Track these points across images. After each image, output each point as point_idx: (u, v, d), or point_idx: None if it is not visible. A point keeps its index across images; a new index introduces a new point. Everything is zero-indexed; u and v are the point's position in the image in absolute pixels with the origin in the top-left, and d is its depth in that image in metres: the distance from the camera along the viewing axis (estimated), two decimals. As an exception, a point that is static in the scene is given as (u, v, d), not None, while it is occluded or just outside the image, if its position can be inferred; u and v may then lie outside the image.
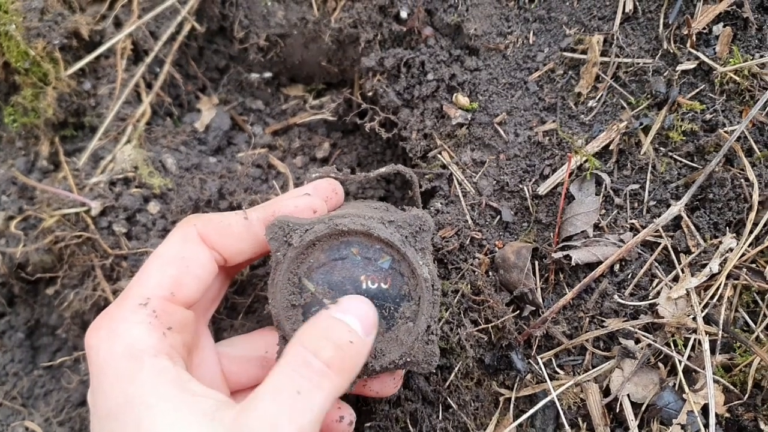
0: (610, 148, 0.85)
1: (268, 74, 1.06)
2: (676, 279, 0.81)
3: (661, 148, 0.84)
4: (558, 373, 0.84)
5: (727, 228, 0.81)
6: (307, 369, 0.57)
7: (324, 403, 0.56)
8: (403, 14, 0.91)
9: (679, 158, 0.84)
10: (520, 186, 0.89)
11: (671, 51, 0.84)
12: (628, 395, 0.79)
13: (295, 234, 0.67)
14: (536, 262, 0.87)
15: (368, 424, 0.83)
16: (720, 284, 0.79)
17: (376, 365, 0.68)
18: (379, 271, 0.68)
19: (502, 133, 0.90)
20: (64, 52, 0.96)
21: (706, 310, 0.79)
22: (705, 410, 0.76)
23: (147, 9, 0.98)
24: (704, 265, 0.80)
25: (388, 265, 0.68)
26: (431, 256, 0.71)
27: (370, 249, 0.68)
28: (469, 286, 0.85)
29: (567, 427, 0.81)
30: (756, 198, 0.78)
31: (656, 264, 0.83)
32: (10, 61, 0.96)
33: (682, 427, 0.76)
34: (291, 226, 0.67)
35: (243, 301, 0.93)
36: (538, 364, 0.84)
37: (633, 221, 0.84)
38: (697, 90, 0.83)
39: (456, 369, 0.85)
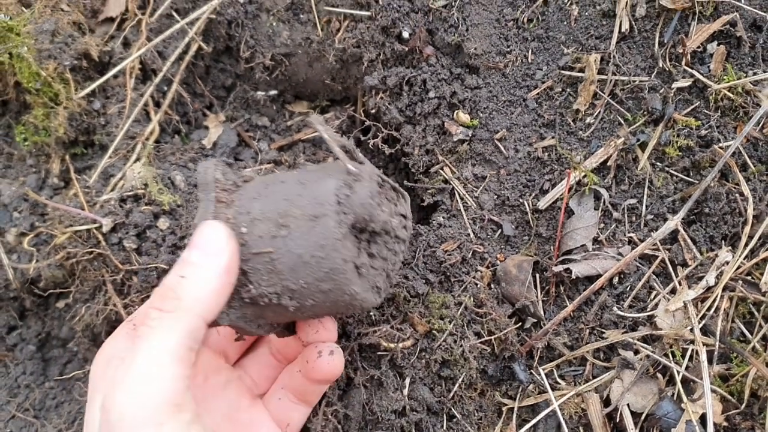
0: (608, 163, 0.87)
1: (273, 92, 1.08)
2: (673, 291, 0.83)
3: (658, 164, 0.87)
4: (559, 384, 0.86)
5: (723, 241, 0.83)
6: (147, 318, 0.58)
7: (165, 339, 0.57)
8: (405, 34, 0.94)
9: (676, 173, 0.86)
10: (521, 200, 0.91)
11: (667, 69, 0.87)
12: (627, 405, 0.81)
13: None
14: (537, 275, 0.89)
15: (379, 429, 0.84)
16: (716, 296, 0.81)
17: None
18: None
19: (502, 149, 0.92)
20: (75, 73, 0.98)
21: (703, 322, 0.81)
22: (703, 419, 0.78)
23: (154, 30, 1.00)
24: (701, 278, 0.82)
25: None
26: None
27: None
28: (471, 298, 0.87)
29: (569, 436, 0.83)
30: (750, 212, 0.81)
31: (654, 277, 0.85)
32: (22, 81, 0.98)
33: (681, 436, 0.78)
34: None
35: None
36: (540, 374, 0.86)
37: (631, 235, 0.86)
38: (693, 107, 0.86)
39: (460, 380, 0.87)
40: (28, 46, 0.96)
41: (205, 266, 0.60)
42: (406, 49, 0.95)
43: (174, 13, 1.01)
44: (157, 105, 1.03)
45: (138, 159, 0.98)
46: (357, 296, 0.60)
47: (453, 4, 0.94)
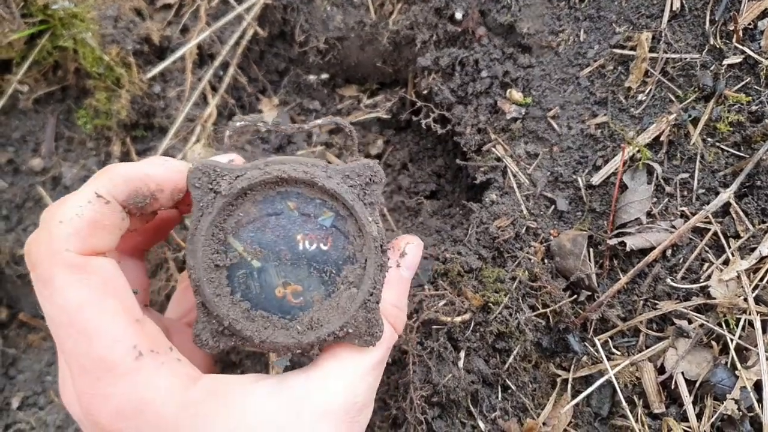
0: (661, 139, 0.91)
1: (325, 76, 1.13)
2: (726, 263, 0.87)
3: (709, 139, 0.90)
4: (613, 354, 0.90)
5: (775, 213, 0.87)
6: None
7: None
8: (458, 15, 0.98)
9: (727, 148, 0.89)
10: (574, 177, 0.95)
11: (717, 46, 0.90)
12: (682, 373, 0.85)
13: (224, 181, 0.58)
14: (591, 250, 0.93)
15: (435, 399, 0.89)
16: (769, 266, 0.85)
17: (312, 337, 0.57)
18: (320, 230, 0.59)
19: (555, 126, 0.96)
20: (136, 57, 1.03)
21: (757, 291, 0.84)
22: (758, 386, 0.82)
23: (212, 15, 1.06)
24: (753, 249, 0.85)
25: (330, 223, 0.59)
26: (379, 213, 0.62)
27: (310, 203, 0.59)
28: (526, 273, 0.92)
29: (624, 403, 0.86)
30: (803, 184, 0.84)
31: (706, 249, 0.88)
32: (85, 66, 1.04)
33: (736, 401, 0.81)
34: (218, 172, 0.58)
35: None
36: (594, 345, 0.90)
37: (683, 209, 0.90)
38: (743, 83, 0.89)
39: (515, 352, 0.91)
40: (92, 32, 1.02)
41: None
42: (459, 30, 0.99)
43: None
44: (214, 89, 1.09)
45: (198, 141, 1.03)
46: None
47: (505, -15, 0.98)
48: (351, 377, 0.58)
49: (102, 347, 0.49)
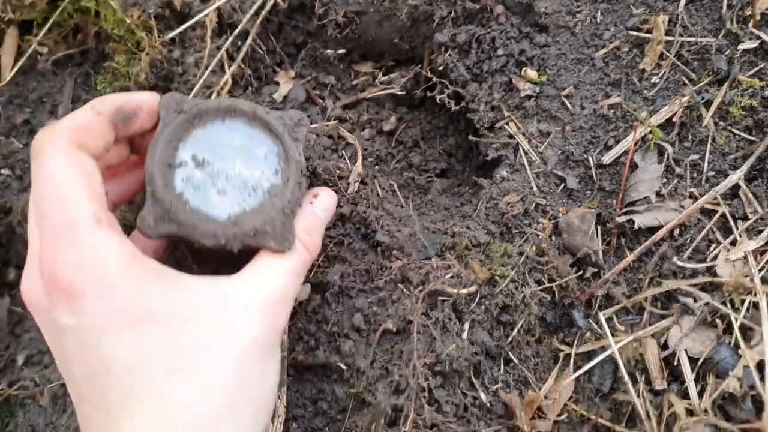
0: (673, 120, 0.92)
1: (341, 51, 1.14)
2: (733, 243, 0.88)
3: (721, 122, 0.91)
4: (617, 331, 0.91)
5: (784, 196, 0.88)
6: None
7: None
8: (477, -7, 0.99)
9: (738, 132, 0.91)
10: (585, 156, 0.96)
11: (733, 31, 0.92)
12: (685, 350, 0.86)
13: (186, 105, 0.72)
14: (599, 227, 0.94)
15: (438, 368, 0.89)
16: (777, 248, 0.86)
17: (237, 230, 0.67)
18: (254, 158, 0.72)
19: (568, 105, 0.98)
20: (157, 21, 1.05)
21: (763, 272, 0.85)
22: (760, 366, 0.82)
23: (234, -17, 1.07)
24: (761, 231, 0.87)
25: (263, 153, 0.72)
26: (303, 149, 0.75)
27: (250, 134, 0.72)
28: (533, 248, 0.93)
29: (627, 378, 0.87)
30: (812, 168, 0.85)
31: (714, 229, 0.89)
32: (106, 28, 1.06)
33: (738, 379, 0.82)
34: (184, 100, 0.72)
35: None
36: (598, 321, 0.91)
37: (692, 190, 0.91)
38: (758, 68, 0.91)
39: (519, 325, 0.92)
40: (115, -6, 1.03)
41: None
42: (477, 7, 1.01)
43: (252, -31, 1.08)
44: (231, 58, 1.10)
45: (214, 106, 1.05)
46: None
47: (525, -35, 1.00)
48: (267, 277, 0.68)
49: (72, 209, 0.59)
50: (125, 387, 0.57)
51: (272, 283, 0.67)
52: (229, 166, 0.70)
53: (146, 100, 0.72)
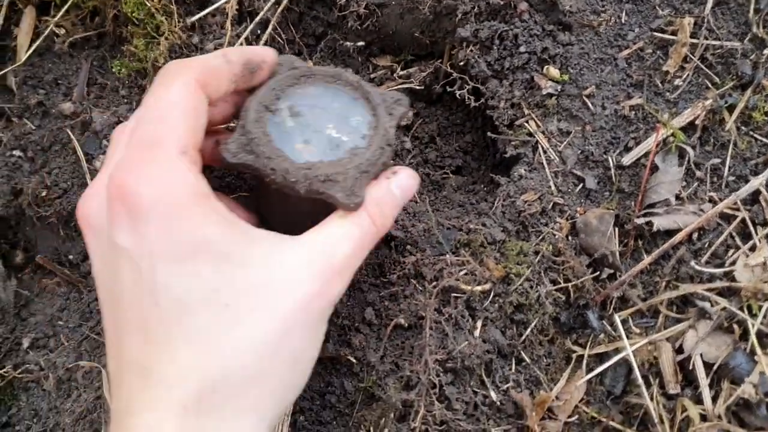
0: (696, 123, 0.92)
1: (361, 43, 1.14)
2: (753, 249, 0.88)
3: (743, 127, 0.91)
4: (631, 333, 0.91)
5: (805, 204, 0.88)
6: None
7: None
8: (501, -11, 0.99)
9: (760, 137, 0.91)
10: (605, 156, 0.96)
11: (759, 36, 0.92)
12: (701, 354, 0.86)
13: (298, 64, 0.78)
14: (616, 229, 0.94)
15: (449, 365, 0.89)
16: (796, 255, 0.85)
17: (310, 174, 0.68)
18: (347, 125, 0.75)
19: (589, 105, 0.97)
20: (178, 5, 1.04)
21: (782, 279, 0.85)
22: (776, 373, 0.82)
23: (256, -29, 1.07)
24: (781, 238, 0.86)
25: (356, 123, 0.75)
26: (395, 126, 0.77)
27: (350, 102, 0.76)
28: (550, 247, 0.92)
29: (640, 380, 0.87)
30: (834, 176, 0.85)
31: (733, 234, 0.89)
32: (126, 11, 1.05)
33: (754, 386, 0.81)
34: (298, 61, 0.79)
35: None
36: (613, 323, 0.91)
37: (712, 194, 0.91)
38: (783, 74, 0.90)
39: (532, 325, 0.92)
40: (136, -23, 1.03)
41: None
42: (501, 3, 1.00)
43: (274, -43, 1.08)
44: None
45: (232, 93, 1.04)
46: None
47: (551, -38, 0.99)
48: (329, 243, 0.67)
49: (169, 133, 0.61)
50: (172, 320, 0.57)
51: (333, 250, 0.66)
52: (320, 124, 0.74)
53: (270, 55, 0.76)
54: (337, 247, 0.66)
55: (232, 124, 0.82)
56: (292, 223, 0.71)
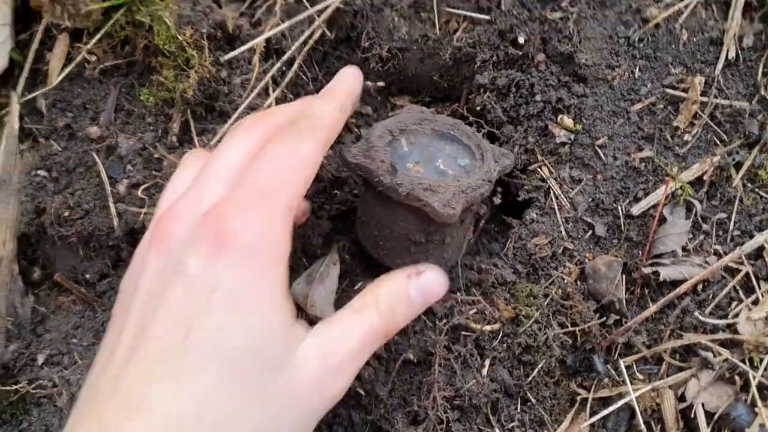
0: (703, 178, 0.95)
1: (381, 83, 1.17)
2: (755, 302, 0.91)
3: (749, 184, 0.95)
4: (635, 379, 0.93)
5: (807, 261, 0.91)
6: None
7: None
8: (520, 40, 1.03)
9: (765, 195, 0.94)
10: (614, 205, 0.99)
11: (767, 98, 0.95)
12: (702, 404, 0.88)
13: (425, 110, 0.93)
14: (624, 276, 0.96)
15: (456, 402, 0.91)
16: (797, 311, 0.88)
17: (412, 178, 0.76)
18: (455, 164, 0.84)
19: (601, 155, 1.01)
20: (209, 41, 1.08)
21: (783, 333, 0.88)
22: (775, 425, 0.84)
23: (285, 12, 1.11)
24: (783, 293, 0.89)
25: (464, 164, 0.84)
26: (497, 173, 0.86)
27: (460, 152, 0.86)
28: (559, 291, 0.95)
29: (642, 426, 0.89)
30: (837, 236, 0.88)
31: (737, 288, 0.92)
32: (158, 43, 1.09)
33: (753, 437, 0.84)
34: (424, 109, 0.95)
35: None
36: (617, 369, 0.93)
37: (717, 247, 0.94)
38: (788, 135, 0.94)
39: (539, 366, 0.94)
40: (170, 11, 1.07)
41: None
42: (519, 53, 1.04)
43: (304, -1, 1.12)
44: (275, 83, 1.13)
45: (256, 127, 1.08)
46: None
47: (569, 17, 1.04)
48: (330, 337, 0.66)
49: (286, 189, 0.63)
50: (186, 358, 0.54)
51: (335, 345, 0.65)
52: (432, 157, 0.83)
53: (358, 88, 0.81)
54: (339, 342, 0.66)
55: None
56: (383, 238, 0.82)
